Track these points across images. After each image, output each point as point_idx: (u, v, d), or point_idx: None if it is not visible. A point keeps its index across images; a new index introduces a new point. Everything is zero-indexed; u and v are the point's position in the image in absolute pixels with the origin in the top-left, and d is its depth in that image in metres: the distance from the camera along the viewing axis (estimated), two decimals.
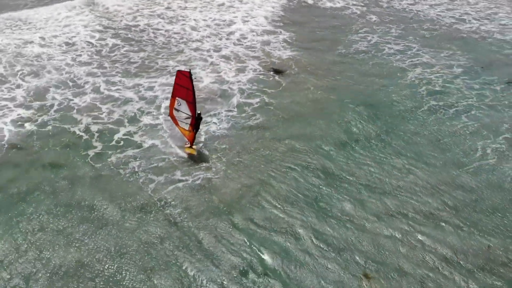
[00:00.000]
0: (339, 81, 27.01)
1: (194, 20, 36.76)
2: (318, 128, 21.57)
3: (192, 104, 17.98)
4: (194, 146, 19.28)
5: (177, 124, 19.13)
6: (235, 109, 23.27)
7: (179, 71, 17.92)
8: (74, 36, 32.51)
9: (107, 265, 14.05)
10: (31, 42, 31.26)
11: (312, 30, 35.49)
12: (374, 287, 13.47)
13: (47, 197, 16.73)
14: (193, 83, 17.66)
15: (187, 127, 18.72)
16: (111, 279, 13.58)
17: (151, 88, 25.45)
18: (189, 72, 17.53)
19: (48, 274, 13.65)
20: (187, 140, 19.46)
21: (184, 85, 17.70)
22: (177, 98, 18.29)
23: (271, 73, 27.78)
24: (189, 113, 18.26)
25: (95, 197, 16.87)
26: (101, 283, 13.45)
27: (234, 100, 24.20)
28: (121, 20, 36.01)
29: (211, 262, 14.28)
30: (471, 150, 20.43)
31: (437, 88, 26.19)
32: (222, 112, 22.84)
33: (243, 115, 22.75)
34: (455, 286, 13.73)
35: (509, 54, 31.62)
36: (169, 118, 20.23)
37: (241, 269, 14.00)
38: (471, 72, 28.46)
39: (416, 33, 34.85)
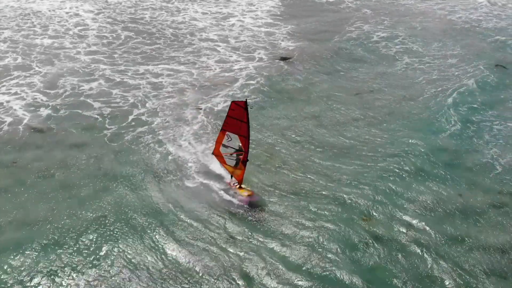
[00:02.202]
0: (336, 67, 28.75)
1: (196, 12, 38.16)
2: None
3: (246, 138, 16.08)
4: (243, 186, 17.03)
5: (223, 162, 16.94)
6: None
7: (233, 102, 16.07)
8: (83, 28, 33.71)
9: (129, 218, 15.62)
10: (42, 33, 32.44)
11: (310, 23, 37.00)
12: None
13: (72, 171, 18.03)
14: (248, 112, 15.73)
15: (233, 163, 16.70)
16: (135, 227, 15.14)
17: (159, 75, 26.93)
18: (245, 102, 15.74)
19: (80, 230, 15.02)
20: (233, 180, 17.14)
21: (238, 117, 15.85)
22: (227, 133, 16.36)
23: (277, 60, 29.41)
24: (240, 148, 16.38)
25: (118, 168, 18.29)
26: (127, 228, 15.23)
27: (239, 84, 26.02)
28: (123, 13, 37.21)
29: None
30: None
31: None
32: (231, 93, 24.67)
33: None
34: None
35: (493, 41, 33.52)
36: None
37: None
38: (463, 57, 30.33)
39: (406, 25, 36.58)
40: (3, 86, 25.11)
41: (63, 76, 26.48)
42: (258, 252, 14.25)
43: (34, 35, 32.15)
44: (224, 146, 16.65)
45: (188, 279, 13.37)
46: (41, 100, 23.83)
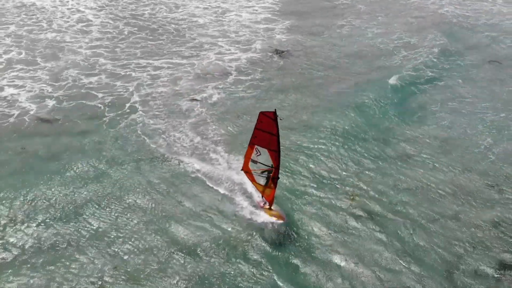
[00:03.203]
0: (330, 61, 29.83)
1: (196, 7, 39.14)
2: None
3: (276, 152, 14.77)
4: (273, 208, 15.92)
5: (253, 179, 15.81)
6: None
7: (262, 113, 14.73)
8: (86, 24, 34.72)
9: (125, 194, 17.21)
10: (47, 28, 33.49)
11: (306, 18, 37.94)
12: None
13: (76, 156, 19.33)
14: (277, 122, 14.53)
15: (263, 181, 15.48)
16: (128, 197, 16.61)
17: (159, 68, 28.05)
18: (274, 113, 14.41)
19: (82, 202, 16.44)
20: (263, 199, 16.05)
21: (267, 130, 14.59)
22: (256, 147, 15.17)
23: (270, 54, 30.53)
24: (271, 164, 15.10)
25: (116, 152, 19.75)
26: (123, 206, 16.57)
27: (232, 76, 27.27)
28: (125, 9, 38.19)
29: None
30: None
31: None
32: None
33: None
34: None
35: (485, 36, 34.61)
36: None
37: None
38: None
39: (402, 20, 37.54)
40: (9, 79, 26.16)
41: (67, 69, 27.53)
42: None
43: (38, 30, 33.13)
44: (253, 161, 15.33)
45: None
46: (46, 92, 24.91)
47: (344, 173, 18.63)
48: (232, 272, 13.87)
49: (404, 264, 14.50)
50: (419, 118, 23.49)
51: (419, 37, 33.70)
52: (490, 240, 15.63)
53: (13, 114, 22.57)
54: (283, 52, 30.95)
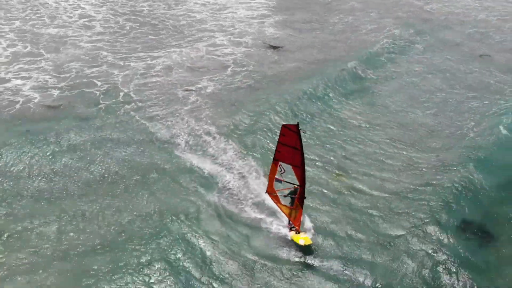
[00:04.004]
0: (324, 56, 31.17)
1: (195, 4, 40.49)
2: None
3: (300, 169, 13.71)
4: (302, 232, 14.53)
5: (278, 202, 14.65)
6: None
7: (284, 126, 13.81)
8: (89, 19, 36.08)
9: (123, 169, 18.49)
10: (50, 23, 34.84)
11: (301, 14, 39.20)
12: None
13: (78, 138, 20.64)
14: (301, 137, 13.47)
15: (289, 202, 14.38)
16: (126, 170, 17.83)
17: (156, 58, 29.43)
18: (297, 126, 13.44)
19: (88, 184, 17.65)
20: (289, 223, 14.78)
21: (290, 144, 13.60)
22: (280, 164, 14.03)
23: (267, 48, 31.82)
24: (295, 183, 14.06)
25: (115, 132, 21.25)
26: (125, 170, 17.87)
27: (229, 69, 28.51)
28: (124, 5, 39.53)
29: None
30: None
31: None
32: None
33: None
34: None
35: (471, 33, 35.78)
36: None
37: None
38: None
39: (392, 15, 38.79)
40: (15, 71, 27.46)
41: (69, 61, 28.84)
42: None
43: (42, 25, 34.47)
44: (278, 180, 14.23)
45: None
46: (50, 82, 26.22)
47: (331, 157, 19.80)
48: None
49: None
50: (409, 106, 24.77)
51: (407, 32, 34.93)
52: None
53: (18, 102, 23.83)
54: (278, 47, 32.13)
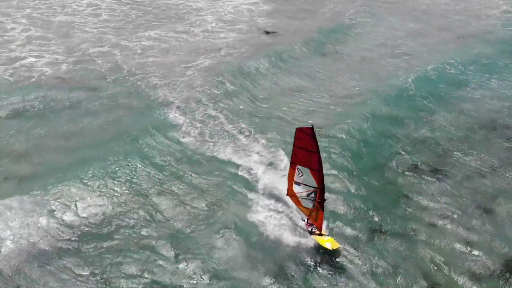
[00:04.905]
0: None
1: None
2: None
3: (317, 172, 13.67)
4: (324, 233, 14.58)
5: (298, 203, 14.75)
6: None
7: (298, 129, 13.84)
8: (96, 7, 39.07)
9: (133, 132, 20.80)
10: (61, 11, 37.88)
11: (294, 3, 42.09)
12: None
13: (90, 104, 23.45)
14: (316, 140, 13.37)
15: (311, 204, 14.34)
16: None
17: (151, 37, 32.58)
18: (311, 128, 13.38)
19: (103, 143, 20.22)
20: (308, 224, 14.84)
21: (305, 147, 13.65)
22: (297, 167, 14.12)
23: (260, 34, 34.69)
24: (314, 185, 14.01)
25: (123, 99, 24.11)
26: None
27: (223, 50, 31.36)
28: None
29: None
30: None
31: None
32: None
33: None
34: None
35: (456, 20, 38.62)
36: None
37: None
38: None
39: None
40: (29, 51, 30.33)
41: (78, 43, 31.74)
42: None
43: (53, 13, 37.44)
44: (297, 183, 14.32)
45: None
46: (60, 59, 29.12)
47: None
48: None
49: None
50: (392, 75, 27.41)
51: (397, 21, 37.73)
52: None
53: (34, 76, 26.72)
54: (271, 32, 34.88)
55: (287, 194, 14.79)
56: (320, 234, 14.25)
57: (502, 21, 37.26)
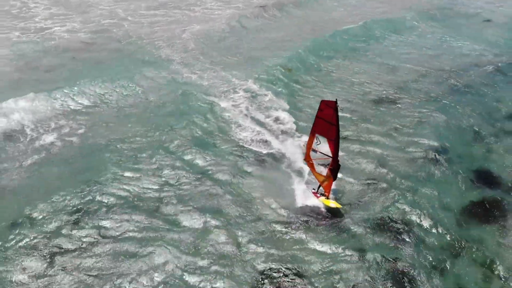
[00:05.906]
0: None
1: None
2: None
3: (333, 142, 14.82)
4: (330, 198, 15.91)
5: (313, 169, 15.87)
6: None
7: (323, 101, 14.94)
8: None
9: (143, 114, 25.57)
10: None
11: None
12: None
13: (116, 63, 28.16)
14: (337, 113, 14.46)
15: (324, 171, 15.50)
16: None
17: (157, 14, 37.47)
18: (335, 102, 14.45)
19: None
20: (317, 190, 16.18)
21: (326, 119, 14.66)
22: (316, 135, 15.29)
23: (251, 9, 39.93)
24: (329, 154, 15.10)
25: (140, 55, 29.25)
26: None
27: (222, 23, 36.41)
28: None
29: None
30: None
31: None
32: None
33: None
34: None
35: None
36: None
37: None
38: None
39: None
40: (52, 23, 35.30)
41: (95, 17, 36.68)
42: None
43: None
44: (314, 150, 15.46)
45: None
46: (81, 29, 34.14)
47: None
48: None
49: None
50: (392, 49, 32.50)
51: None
52: None
53: (60, 42, 31.66)
54: (265, 6, 40.06)
55: (304, 159, 16.25)
56: (327, 198, 15.74)
57: None
